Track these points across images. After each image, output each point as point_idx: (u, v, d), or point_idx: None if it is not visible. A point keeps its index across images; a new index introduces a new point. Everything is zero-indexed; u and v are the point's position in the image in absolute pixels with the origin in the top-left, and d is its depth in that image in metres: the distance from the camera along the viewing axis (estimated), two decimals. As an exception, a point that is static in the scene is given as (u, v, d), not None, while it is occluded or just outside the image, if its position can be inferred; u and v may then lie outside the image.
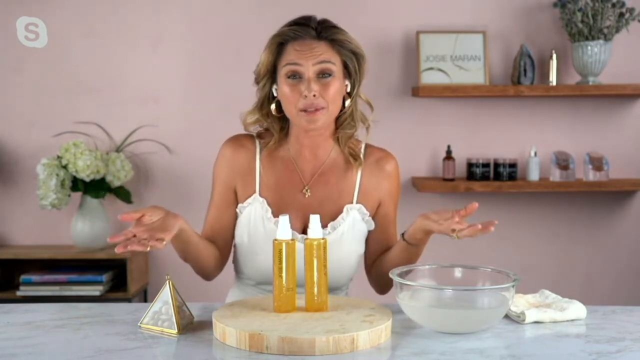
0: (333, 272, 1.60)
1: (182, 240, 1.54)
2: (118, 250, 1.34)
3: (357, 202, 1.66)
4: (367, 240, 1.70)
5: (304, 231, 1.58)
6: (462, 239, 1.48)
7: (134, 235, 1.37)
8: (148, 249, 1.35)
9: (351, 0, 3.02)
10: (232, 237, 1.70)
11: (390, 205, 1.70)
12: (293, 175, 1.66)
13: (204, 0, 3.04)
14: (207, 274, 1.69)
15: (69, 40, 3.02)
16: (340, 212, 1.64)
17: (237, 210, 1.67)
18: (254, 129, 1.70)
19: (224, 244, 1.69)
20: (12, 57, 3.02)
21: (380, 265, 1.70)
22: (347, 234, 1.63)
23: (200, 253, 1.61)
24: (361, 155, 1.68)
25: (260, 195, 1.65)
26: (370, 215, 1.68)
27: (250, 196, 1.65)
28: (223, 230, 1.68)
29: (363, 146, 1.71)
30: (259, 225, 1.62)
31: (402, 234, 1.61)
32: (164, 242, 1.37)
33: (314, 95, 1.55)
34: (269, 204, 1.64)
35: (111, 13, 3.03)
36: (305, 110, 1.56)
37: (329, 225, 1.63)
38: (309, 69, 1.56)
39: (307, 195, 1.65)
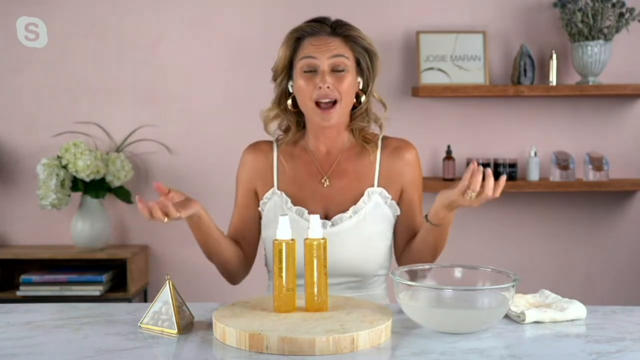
0: (359, 257, 1.65)
1: (202, 230, 1.60)
2: (142, 209, 1.44)
3: (378, 186, 1.69)
4: (395, 229, 1.73)
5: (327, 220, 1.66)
6: (479, 206, 1.51)
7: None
8: (165, 220, 1.45)
9: (352, 1, 3.02)
10: (256, 239, 1.76)
11: (414, 193, 1.72)
12: (311, 168, 1.71)
13: (204, 0, 3.04)
14: (232, 274, 1.73)
15: (69, 40, 3.02)
16: (361, 197, 1.67)
17: (260, 209, 1.72)
18: (274, 127, 1.76)
19: (247, 246, 1.75)
20: (12, 57, 3.02)
21: (408, 252, 1.71)
22: (370, 217, 1.65)
23: (222, 248, 1.66)
24: (379, 145, 1.72)
25: (278, 188, 1.70)
26: (393, 199, 1.70)
27: (268, 191, 1.71)
28: (246, 231, 1.74)
29: (380, 137, 1.74)
30: (279, 216, 1.64)
31: (426, 216, 1.63)
32: (179, 215, 1.47)
33: (328, 87, 1.60)
34: (287, 196, 1.68)
35: (111, 13, 3.03)
36: (319, 105, 1.62)
37: (350, 209, 1.66)
38: (324, 62, 1.62)
39: (325, 185, 1.69)
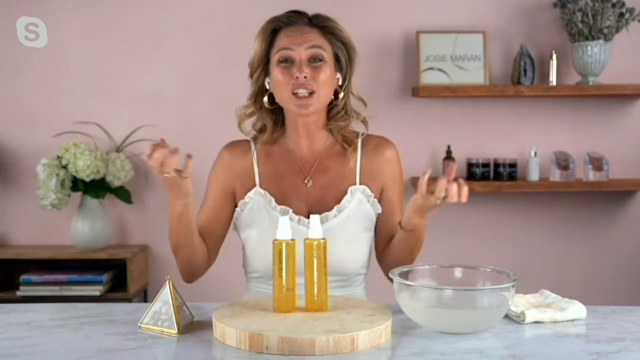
0: (344, 256, 1.62)
1: (183, 221, 1.55)
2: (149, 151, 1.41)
3: (360, 184, 1.67)
4: (375, 228, 1.71)
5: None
6: (445, 206, 1.49)
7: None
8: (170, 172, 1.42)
9: (351, 1, 3.02)
10: (222, 239, 1.71)
11: (394, 191, 1.70)
12: (292, 166, 1.69)
13: (204, 0, 3.04)
14: (194, 272, 1.67)
15: (69, 40, 3.02)
16: (344, 195, 1.66)
17: (239, 208, 1.68)
18: (249, 125, 1.73)
19: (212, 244, 1.70)
20: (12, 57, 3.02)
21: (387, 254, 1.70)
22: (354, 215, 1.64)
23: (193, 242, 1.61)
24: (359, 144, 1.70)
25: (261, 187, 1.67)
26: (375, 197, 1.68)
27: (250, 191, 1.67)
28: (214, 230, 1.69)
29: (360, 136, 1.72)
30: (263, 215, 1.64)
31: (399, 222, 1.61)
32: (171, 171, 1.43)
33: (305, 77, 1.57)
34: (271, 195, 1.66)
35: (111, 13, 3.03)
36: (296, 95, 1.58)
37: (334, 208, 1.64)
38: (301, 54, 1.59)
39: (308, 185, 1.67)
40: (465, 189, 1.48)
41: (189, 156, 1.47)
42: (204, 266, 1.69)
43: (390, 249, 1.68)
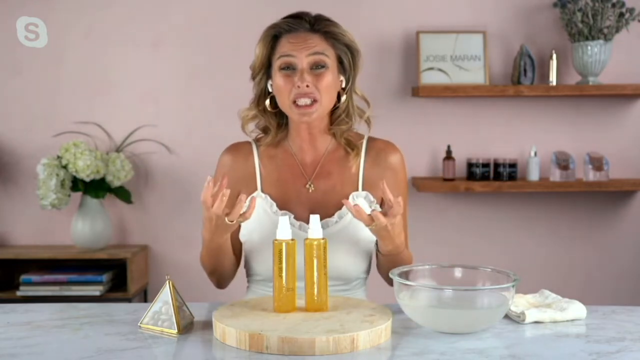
0: (344, 262, 1.61)
1: (224, 250, 1.60)
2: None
3: (362, 190, 1.66)
4: None
5: None
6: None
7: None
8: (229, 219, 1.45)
9: (351, 1, 3.02)
10: (241, 244, 1.71)
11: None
12: (295, 170, 1.67)
13: (204, 0, 3.04)
14: (225, 282, 1.71)
15: (69, 40, 3.02)
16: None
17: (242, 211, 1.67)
18: (252, 128, 1.72)
19: (237, 251, 1.71)
20: (12, 57, 3.02)
21: (379, 268, 1.70)
22: (355, 221, 1.61)
23: (227, 261, 1.64)
24: (363, 147, 1.68)
25: (263, 191, 1.66)
26: (377, 203, 1.66)
27: (252, 194, 1.66)
28: (234, 237, 1.68)
29: (365, 139, 1.70)
30: (264, 219, 1.62)
31: (376, 243, 1.61)
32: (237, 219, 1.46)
33: (307, 86, 1.55)
34: (272, 199, 1.64)
35: (111, 13, 3.03)
36: (296, 104, 1.57)
37: (335, 214, 1.63)
38: (303, 61, 1.57)
39: (310, 190, 1.66)
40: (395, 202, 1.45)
41: (253, 198, 1.47)
42: (235, 273, 1.72)
43: (379, 265, 1.68)
